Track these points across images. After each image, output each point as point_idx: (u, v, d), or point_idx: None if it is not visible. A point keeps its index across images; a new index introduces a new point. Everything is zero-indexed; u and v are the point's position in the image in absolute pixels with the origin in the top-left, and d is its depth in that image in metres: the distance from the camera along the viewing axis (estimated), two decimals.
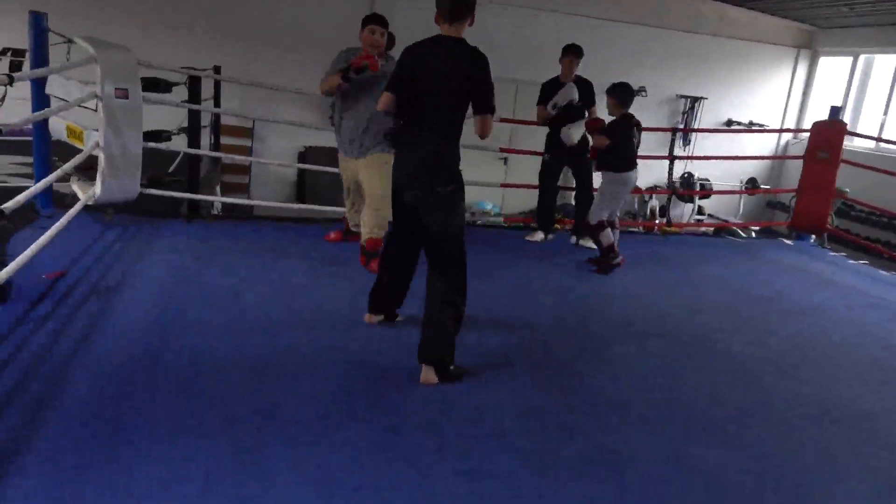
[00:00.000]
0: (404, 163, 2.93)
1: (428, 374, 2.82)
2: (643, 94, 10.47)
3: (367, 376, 2.87)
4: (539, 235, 5.79)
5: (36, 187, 3.56)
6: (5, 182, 5.49)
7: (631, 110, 4.91)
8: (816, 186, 6.39)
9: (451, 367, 2.86)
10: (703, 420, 2.85)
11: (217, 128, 9.02)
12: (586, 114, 5.34)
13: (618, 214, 5.13)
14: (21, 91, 4.21)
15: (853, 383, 3.44)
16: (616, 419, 2.77)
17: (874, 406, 3.18)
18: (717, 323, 4.15)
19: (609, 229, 4.88)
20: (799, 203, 6.54)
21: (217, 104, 8.56)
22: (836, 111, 6.62)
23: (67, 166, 3.88)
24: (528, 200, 11.44)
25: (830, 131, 6.40)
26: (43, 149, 4.63)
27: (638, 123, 4.93)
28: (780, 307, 4.61)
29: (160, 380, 2.65)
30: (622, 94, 4.84)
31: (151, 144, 4.89)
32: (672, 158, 6.98)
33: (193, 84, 5.18)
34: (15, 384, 2.48)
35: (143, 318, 3.21)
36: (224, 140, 9.41)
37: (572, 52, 5.33)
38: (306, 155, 9.42)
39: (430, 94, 2.81)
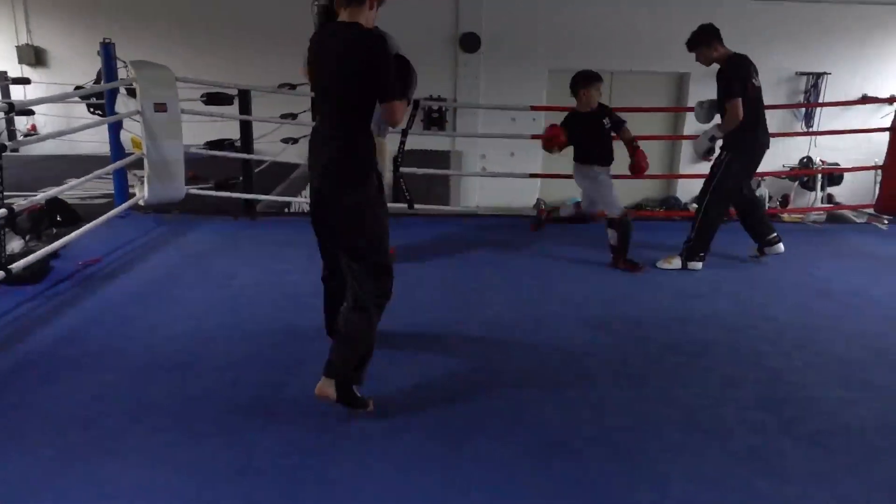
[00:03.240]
0: (312, 168, 2.63)
1: (325, 387, 2.56)
2: None
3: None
4: (676, 262, 4.57)
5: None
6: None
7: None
8: None
9: (357, 394, 2.61)
10: None
11: None
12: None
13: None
14: None
15: None
16: None
17: None
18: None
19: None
20: (884, 183, 5.72)
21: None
22: None
23: (101, 172, 4.61)
24: (628, 194, 11.03)
25: None
26: (117, 159, 5.47)
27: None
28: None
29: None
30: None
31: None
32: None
33: (243, 97, 5.80)
34: None
35: (123, 297, 3.80)
36: None
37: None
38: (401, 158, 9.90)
39: (326, 89, 2.58)
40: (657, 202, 10.58)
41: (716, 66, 4.34)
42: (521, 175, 7.44)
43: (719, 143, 4.55)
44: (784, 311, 3.89)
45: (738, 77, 4.21)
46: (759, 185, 9.27)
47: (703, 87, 10.37)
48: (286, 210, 7.28)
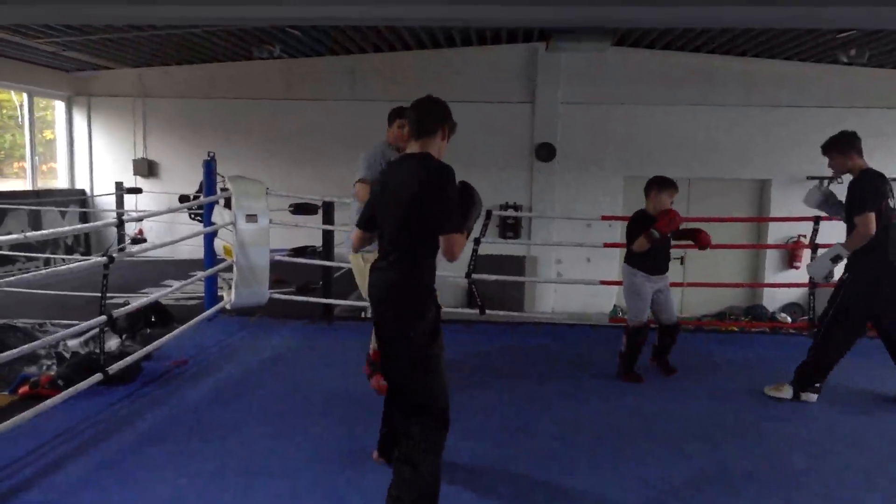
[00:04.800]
0: (372, 297, 2.69)
1: None
2: (839, 181, 9.40)
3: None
4: (787, 392, 4.10)
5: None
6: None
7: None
8: None
9: None
10: None
11: None
12: None
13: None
14: None
15: None
16: None
17: None
18: None
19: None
20: None
21: None
22: None
23: (195, 279, 4.92)
24: (712, 302, 10.67)
25: None
26: (210, 265, 5.88)
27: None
28: None
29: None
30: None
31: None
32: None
33: (327, 208, 6.17)
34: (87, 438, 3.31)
35: (203, 398, 3.97)
36: None
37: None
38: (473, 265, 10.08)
39: (389, 218, 2.63)
40: (742, 311, 10.18)
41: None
42: (591, 282, 7.40)
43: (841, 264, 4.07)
44: None
45: (873, 191, 3.85)
46: None
47: (785, 194, 10.22)
48: (362, 315, 7.49)
